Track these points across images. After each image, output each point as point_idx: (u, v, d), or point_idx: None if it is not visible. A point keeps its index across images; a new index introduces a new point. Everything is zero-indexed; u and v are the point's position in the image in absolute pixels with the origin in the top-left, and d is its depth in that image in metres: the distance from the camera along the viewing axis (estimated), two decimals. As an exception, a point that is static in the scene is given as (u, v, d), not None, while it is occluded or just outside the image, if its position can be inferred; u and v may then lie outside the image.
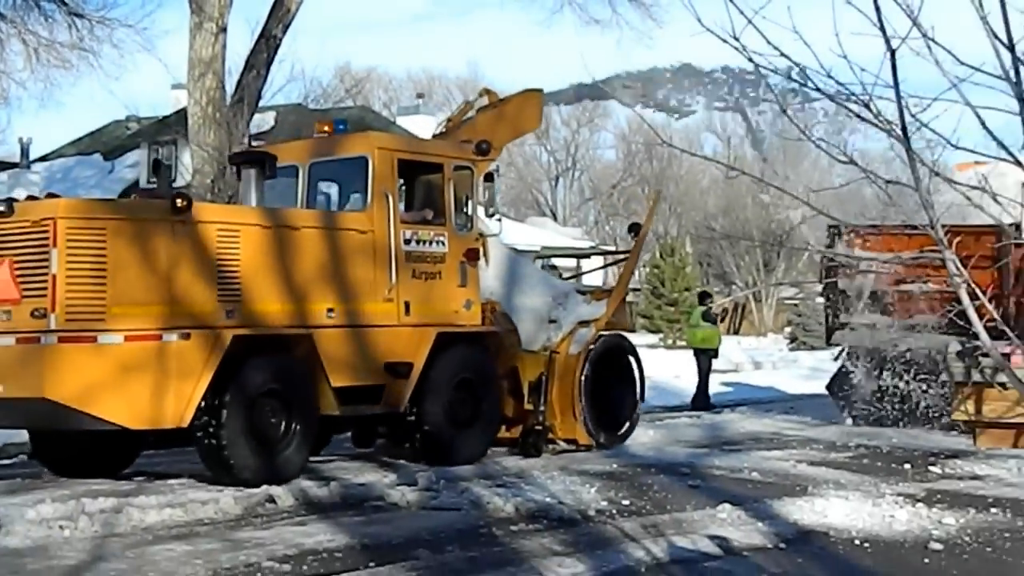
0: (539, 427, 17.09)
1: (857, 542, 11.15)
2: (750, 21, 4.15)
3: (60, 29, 26.80)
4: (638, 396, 18.64)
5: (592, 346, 17.65)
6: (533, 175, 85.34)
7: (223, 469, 13.88)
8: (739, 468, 15.79)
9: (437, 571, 9.76)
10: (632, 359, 18.65)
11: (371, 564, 10.00)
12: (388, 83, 78.08)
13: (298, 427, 14.44)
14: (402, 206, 16.30)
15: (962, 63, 4.02)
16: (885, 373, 20.77)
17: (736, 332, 65.23)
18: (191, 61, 22.97)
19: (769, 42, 4.20)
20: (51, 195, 15.29)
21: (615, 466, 15.87)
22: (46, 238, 13.19)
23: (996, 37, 3.93)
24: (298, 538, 11.03)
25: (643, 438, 18.48)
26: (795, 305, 57.02)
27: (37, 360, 13.26)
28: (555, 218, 78.24)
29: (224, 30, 22.85)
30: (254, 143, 28.70)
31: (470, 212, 17.00)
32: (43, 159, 52.65)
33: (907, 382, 20.12)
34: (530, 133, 20.46)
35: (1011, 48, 3.90)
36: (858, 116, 4.37)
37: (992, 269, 18.07)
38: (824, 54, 4.23)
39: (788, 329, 56.94)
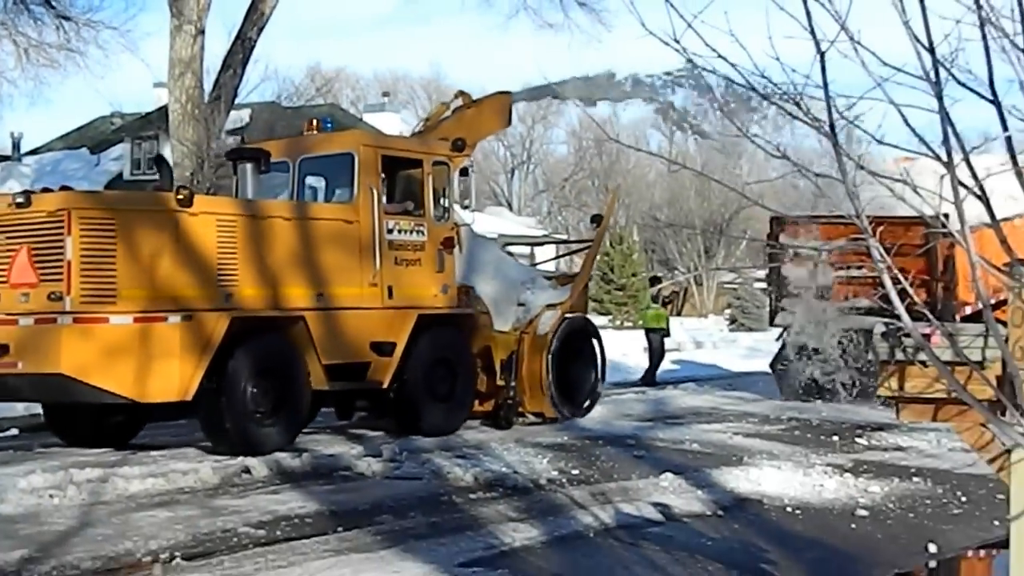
0: (510, 401, 17.37)
1: (789, 509, 11.21)
2: (690, 25, 4.12)
3: (48, 31, 26.75)
4: (599, 374, 18.86)
5: (558, 327, 17.85)
6: (491, 168, 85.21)
7: (223, 439, 14.14)
8: (680, 440, 15.85)
9: (400, 536, 9.76)
10: (594, 340, 18.90)
11: (339, 529, 10.04)
12: (356, 82, 77.93)
13: (293, 400, 14.74)
14: (385, 198, 16.36)
15: (886, 64, 4.01)
16: (820, 352, 20.98)
17: (679, 314, 65.39)
18: (171, 61, 22.94)
19: (707, 44, 4.18)
20: (64, 188, 15.53)
21: (566, 438, 15.89)
22: (61, 227, 13.44)
23: (918, 40, 3.92)
24: (272, 505, 11.05)
25: (592, 413, 18.52)
26: (734, 289, 57.18)
27: (54, 338, 13.46)
28: (511, 208, 78.13)
29: (202, 32, 22.84)
30: (230, 138, 28.68)
31: (446, 204, 17.19)
32: (33, 152, 52.33)
33: (840, 361, 20.25)
34: (501, 131, 20.62)
35: (931, 50, 3.89)
36: (790, 114, 4.35)
37: (921, 257, 18.31)
38: (759, 56, 4.20)
39: (728, 311, 57.14)
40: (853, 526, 10.58)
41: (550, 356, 17.62)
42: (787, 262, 20.70)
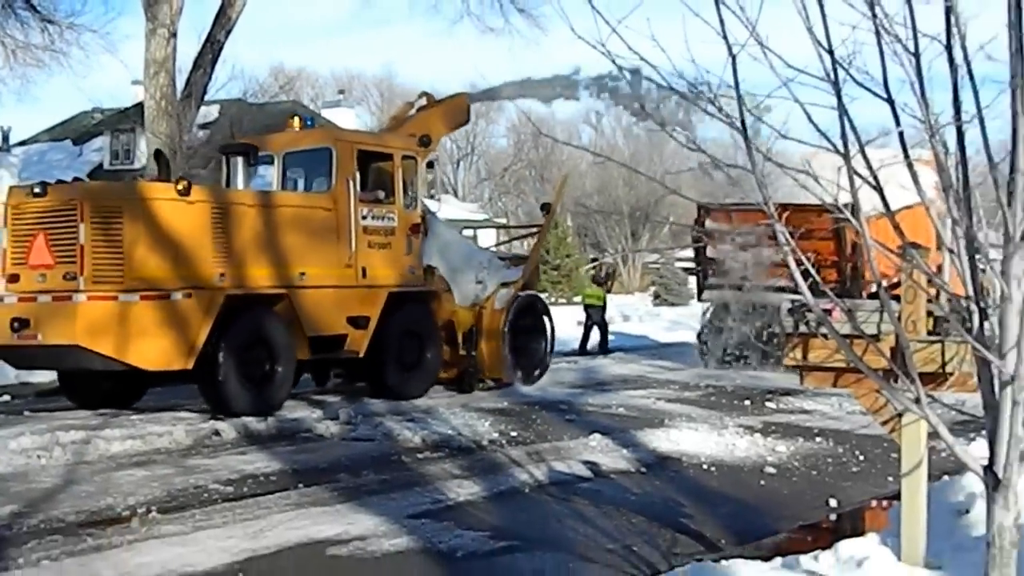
0: (471, 369, 17.70)
1: (705, 466, 11.27)
2: (614, 30, 4.10)
3: (34, 33, 26.52)
4: (549, 344, 19.22)
5: (512, 303, 18.17)
6: (438, 158, 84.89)
7: (220, 403, 14.36)
8: (608, 405, 15.90)
9: (355, 491, 9.77)
10: (544, 315, 19.19)
11: (300, 485, 10.03)
12: (315, 81, 77.15)
13: (280, 368, 14.94)
14: (359, 188, 16.47)
15: (791, 66, 4.02)
16: (738, 325, 21.33)
17: (608, 291, 65.66)
18: (147, 61, 22.85)
19: (630, 48, 4.16)
20: (77, 179, 16.03)
21: (506, 404, 15.91)
22: (75, 215, 13.80)
23: (819, 44, 3.93)
24: (239, 465, 11.04)
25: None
26: (657, 268, 57.33)
27: (70, 314, 13.75)
28: (456, 195, 77.92)
29: (175, 35, 22.77)
30: (200, 132, 28.59)
31: (414, 193, 17.39)
32: (21, 144, 51.70)
33: (755, 333, 20.45)
34: (460, 128, 20.93)
35: (831, 54, 3.90)
36: (705, 111, 4.35)
37: (831, 240, 18.56)
38: (677, 59, 4.20)
39: (652, 288, 57.28)
40: (762, 482, 10.65)
41: (506, 329, 17.92)
42: (713, 244, 21.13)
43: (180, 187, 14.38)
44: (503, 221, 56.63)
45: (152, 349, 13.81)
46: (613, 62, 4.23)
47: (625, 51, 4.22)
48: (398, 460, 11.51)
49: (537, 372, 18.87)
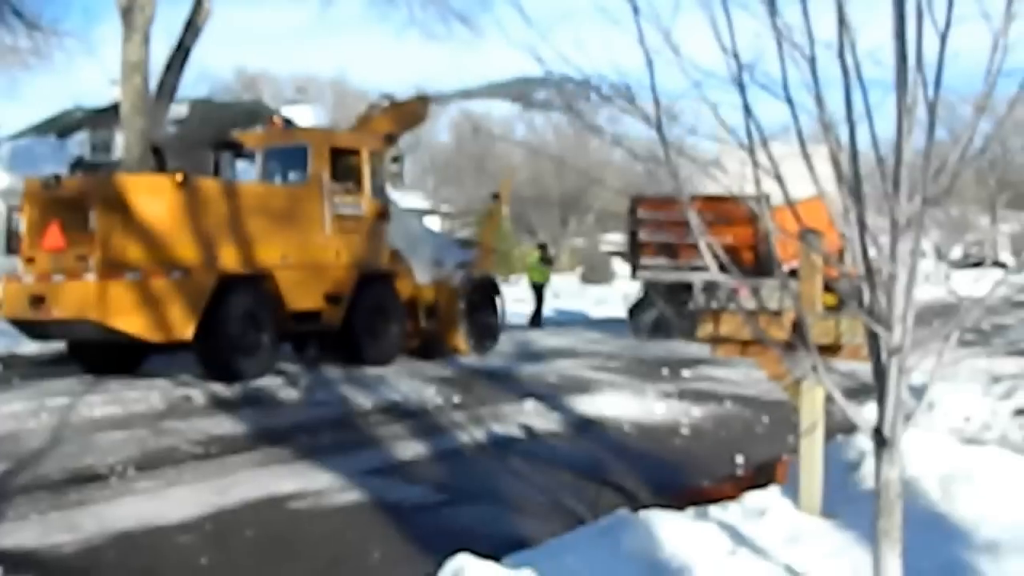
0: (432, 340, 18.19)
1: (626, 428, 11.32)
2: (544, 37, 4.05)
3: (21, 38, 26.20)
4: (500, 318, 19.59)
5: (468, 282, 18.57)
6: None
7: (216, 369, 14.63)
8: (542, 373, 15.94)
9: (313, 451, 9.72)
10: (496, 292, 19.54)
11: (263, 446, 10.03)
12: (275, 81, 76.11)
13: (266, 338, 15.31)
14: (332, 181, 16.79)
15: (700, 70, 4.00)
16: (659, 301, 21.69)
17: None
18: (123, 63, 22.65)
19: (559, 53, 4.12)
20: (87, 171, 16.50)
21: (450, 372, 15.91)
22: (86, 202, 14.20)
23: (726, 50, 3.92)
24: (208, 427, 11.01)
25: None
26: (584, 251, 57.49)
27: (82, 291, 14.04)
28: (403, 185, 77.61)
29: (148, 39, 22.57)
30: (171, 128, 28.35)
31: (380, 184, 17.74)
32: (9, 138, 50.95)
33: (677, 308, 20.65)
34: (420, 126, 21.25)
35: (736, 58, 3.89)
36: (625, 111, 4.33)
37: (750, 226, 18.77)
38: (601, 63, 4.18)
39: (579, 269, 57.45)
40: (677, 441, 10.71)
41: (462, 305, 18.25)
42: (644, 230, 21.81)
43: (179, 178, 14.64)
44: (445, 208, 56.40)
45: (155, 322, 14.09)
46: (544, 66, 4.19)
47: (554, 56, 4.19)
48: (352, 423, 11.48)
49: (489, 342, 19.15)
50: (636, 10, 4.03)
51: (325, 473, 8.73)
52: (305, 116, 48.49)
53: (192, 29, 23.26)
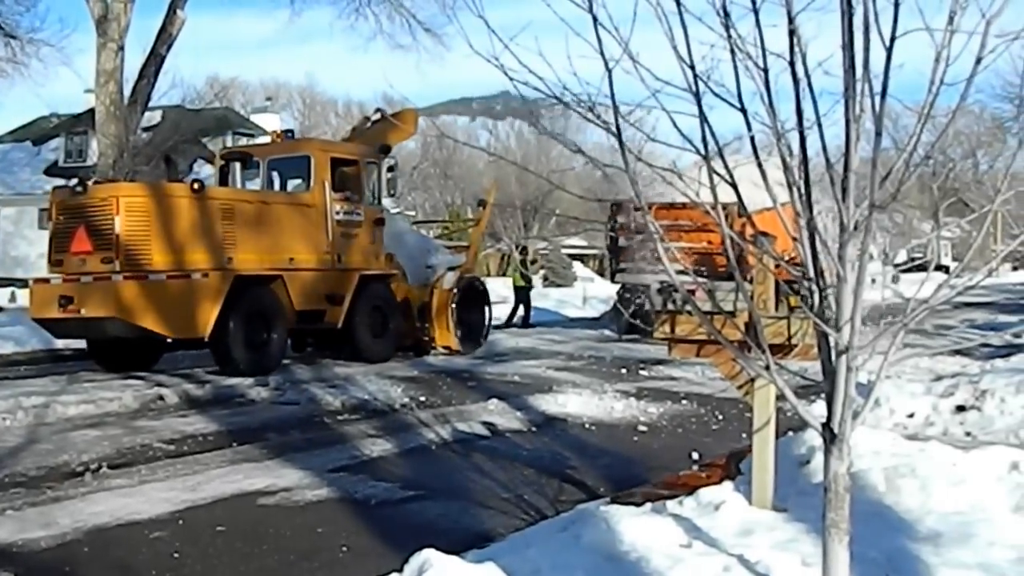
0: (425, 338, 18.81)
1: (586, 425, 11.32)
2: (506, 46, 4.05)
3: (-1, 48, 25.92)
4: (487, 319, 20.14)
5: (458, 284, 19.06)
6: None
7: (229, 364, 15.28)
8: (505, 373, 15.92)
9: (283, 449, 9.69)
10: (484, 294, 20.06)
11: (234, 444, 9.99)
12: (245, 89, 75.57)
13: (276, 336, 16.04)
14: (332, 189, 17.44)
15: (658, 79, 4.01)
16: (641, 302, 21.90)
17: (503, 275, 65.80)
18: (97, 72, 22.62)
19: (520, 62, 4.12)
20: (110, 180, 17.08)
21: (416, 372, 15.89)
22: (111, 208, 14.73)
23: (682, 60, 3.94)
24: (181, 426, 10.95)
25: (435, 353, 18.66)
26: (546, 255, 57.51)
27: (109, 291, 14.61)
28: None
29: (122, 49, 22.57)
30: (144, 134, 28.23)
31: (376, 192, 18.45)
32: (-15, 145, 50.40)
33: (654, 309, 20.80)
34: (410, 137, 21.82)
35: (692, 68, 3.91)
36: (585, 118, 4.33)
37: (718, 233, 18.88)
38: (561, 72, 4.18)
39: (542, 272, 57.49)
40: (635, 438, 10.73)
41: (453, 305, 18.77)
42: (623, 235, 22.20)
43: (195, 186, 15.39)
44: (412, 214, 56.32)
45: (176, 320, 14.79)
46: (506, 74, 4.18)
47: (516, 65, 4.19)
48: (320, 421, 11.43)
49: (478, 340, 19.66)
50: (596, 20, 4.03)
51: (294, 470, 8.68)
52: (274, 123, 48.33)
53: (165, 38, 23.19)
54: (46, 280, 15.53)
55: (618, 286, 23.95)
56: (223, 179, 18.17)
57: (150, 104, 24.98)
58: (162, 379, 14.34)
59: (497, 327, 25.20)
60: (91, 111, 26.86)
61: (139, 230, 14.74)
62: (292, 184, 18.12)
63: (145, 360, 16.05)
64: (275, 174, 18.16)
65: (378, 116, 20.12)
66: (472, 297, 19.50)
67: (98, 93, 22.80)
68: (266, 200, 16.92)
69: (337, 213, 17.38)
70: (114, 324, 14.62)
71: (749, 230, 4.76)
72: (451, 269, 19.33)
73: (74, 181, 16.02)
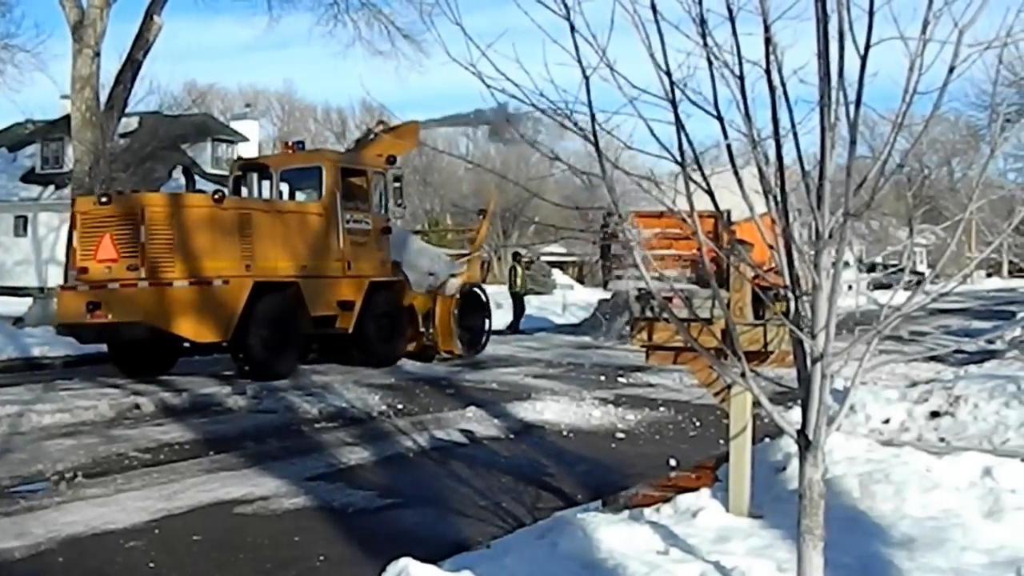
0: (429, 343, 19.18)
1: (564, 433, 11.32)
2: (483, 53, 4.05)
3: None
4: (488, 324, 20.64)
5: (460, 290, 19.61)
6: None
7: (249, 367, 15.72)
8: (483, 381, 15.91)
9: (260, 457, 9.64)
10: (484, 300, 20.55)
11: (211, 452, 9.90)
12: (224, 95, 75.11)
13: (292, 339, 16.44)
14: (342, 199, 17.88)
15: (635, 87, 4.02)
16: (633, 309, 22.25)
17: (483, 281, 65.67)
18: (73, 78, 22.44)
19: (497, 69, 4.12)
20: (134, 191, 17.40)
21: (394, 380, 15.84)
22: (136, 218, 15.18)
23: (659, 67, 3.94)
24: (157, 434, 10.85)
25: (413, 360, 18.64)
26: (526, 262, 57.41)
27: (135, 298, 15.03)
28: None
29: (98, 54, 22.38)
30: (121, 140, 28.07)
31: (383, 202, 18.84)
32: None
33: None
34: (412, 149, 22.06)
35: (669, 75, 3.92)
36: (562, 125, 4.33)
37: (715, 240, 19.04)
38: (538, 79, 4.18)
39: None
40: (613, 445, 10.74)
41: (456, 311, 19.26)
42: (616, 243, 22.18)
43: (217, 197, 15.89)
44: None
45: (200, 325, 15.19)
46: (483, 81, 4.18)
47: (494, 72, 4.19)
48: (298, 430, 11.38)
49: (479, 346, 20.18)
50: (573, 28, 4.04)
51: (271, 479, 8.64)
52: (252, 130, 48.17)
53: (142, 43, 23.05)
54: (72, 287, 15.93)
55: (610, 294, 24.50)
56: (236, 188, 18.57)
57: (127, 110, 24.84)
58: (138, 387, 14.23)
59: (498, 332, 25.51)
60: (67, 117, 26.70)
61: (163, 239, 15.20)
62: (300, 194, 18.63)
63: (163, 364, 16.48)
64: (289, 184, 18.75)
65: (381, 128, 20.50)
66: (473, 304, 20.02)
67: (74, 99, 22.63)
68: (281, 209, 17.44)
69: (347, 222, 17.83)
70: (140, 329, 15.09)
71: (732, 237, 4.76)
72: (453, 276, 19.82)
73: (98, 191, 16.63)
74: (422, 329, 19.13)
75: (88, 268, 15.66)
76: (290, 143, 19.44)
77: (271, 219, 16.69)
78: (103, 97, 22.89)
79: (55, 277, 30.13)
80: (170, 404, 12.91)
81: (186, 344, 15.94)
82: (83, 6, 22.29)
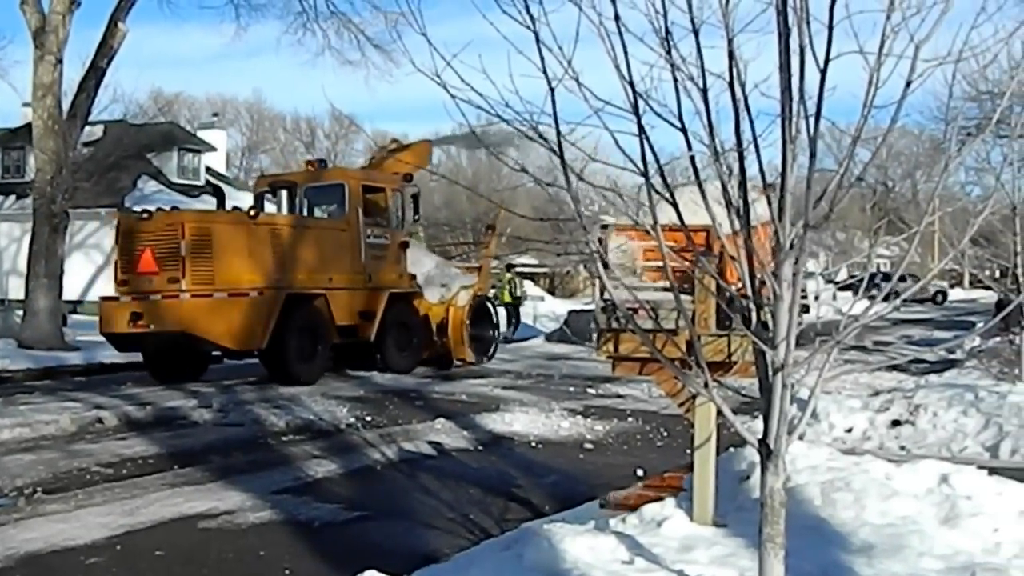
0: (444, 351, 20.06)
1: (533, 444, 11.35)
2: (448, 63, 4.08)
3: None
4: (497, 333, 21.81)
5: (472, 301, 20.41)
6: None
7: (282, 374, 16.67)
8: (452, 392, 15.91)
9: (225, 471, 9.59)
10: (494, 311, 21.70)
11: (175, 467, 9.82)
12: (191, 104, 74.46)
13: (321, 347, 17.48)
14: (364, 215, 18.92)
15: (599, 98, 4.05)
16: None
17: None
18: (35, 85, 22.19)
19: (463, 79, 4.15)
20: (174, 208, 18.20)
21: (363, 392, 15.82)
22: (177, 234, 16.26)
23: (623, 78, 3.98)
24: (120, 449, 10.74)
25: (382, 372, 18.61)
26: (496, 272, 57.42)
27: (177, 308, 16.15)
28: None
29: (60, 61, 22.10)
30: (84, 149, 27.83)
31: (401, 218, 20.05)
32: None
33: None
34: (424, 168, 22.54)
35: (631, 84, 3.96)
36: (527, 136, 4.36)
37: (704, 253, 19.22)
38: (503, 90, 4.21)
39: (493, 290, 57.37)
40: (581, 456, 10.77)
41: (467, 321, 20.13)
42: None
43: (252, 214, 17.20)
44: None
45: (237, 334, 16.19)
46: (448, 92, 4.21)
47: (459, 83, 4.21)
48: (265, 443, 11.33)
49: (490, 354, 21.17)
50: (538, 39, 4.07)
51: (237, 493, 8.59)
52: (220, 139, 47.82)
53: (106, 50, 22.80)
54: (115, 298, 16.98)
55: (582, 305, 25.07)
56: (259, 203, 19.65)
57: (91, 119, 24.57)
58: (101, 401, 14.08)
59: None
60: (28, 125, 26.43)
61: (202, 252, 16.25)
62: (319, 210, 19.72)
63: (194, 371, 17.30)
64: (313, 201, 19.67)
65: (394, 146, 21.81)
66: (483, 314, 21.01)
67: (35, 107, 22.39)
68: (308, 225, 18.62)
69: (368, 236, 18.89)
70: (181, 338, 16.10)
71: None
72: (464, 288, 20.65)
73: (139, 209, 17.85)
74: (436, 338, 20.06)
75: (129, 280, 16.73)
76: (312, 161, 20.69)
77: (300, 234, 17.84)
78: (66, 105, 22.62)
79: (16, 289, 29.89)
80: (134, 418, 12.79)
81: (216, 352, 17.11)
82: (45, 12, 21.99)
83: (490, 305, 21.61)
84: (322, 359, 17.46)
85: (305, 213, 19.43)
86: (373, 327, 18.51)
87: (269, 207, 20.38)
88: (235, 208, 19.23)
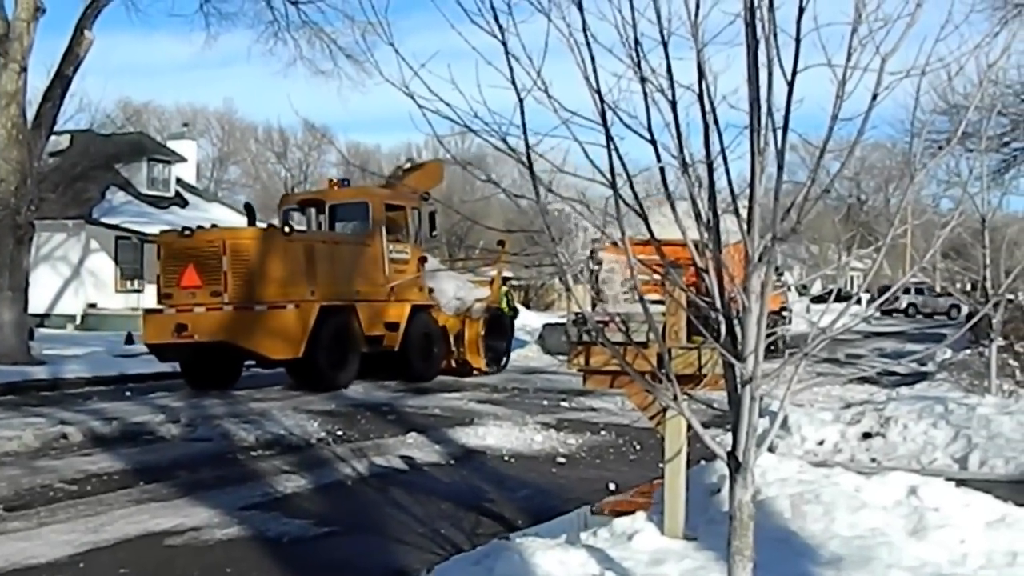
0: (461, 360, 21.38)
1: (506, 458, 11.34)
2: (416, 73, 4.08)
3: None
4: (510, 344, 23.22)
5: (486, 313, 21.80)
6: (275, 187, 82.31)
7: (315, 381, 17.79)
8: (425, 406, 15.88)
9: (193, 487, 9.52)
10: (506, 323, 23.01)
11: (141, 483, 9.74)
12: (161, 114, 74.08)
13: (350, 356, 18.67)
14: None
15: (567, 109, 4.06)
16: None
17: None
18: None
19: (431, 90, 4.15)
20: (214, 226, 19.73)
21: (334, 406, 15.76)
22: (218, 250, 17.58)
23: (592, 88, 4.00)
24: (85, 465, 10.63)
25: (355, 386, 18.58)
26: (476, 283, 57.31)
27: (221, 320, 17.35)
28: (290, 220, 76.33)
29: (25, 69, 21.94)
30: (50, 159, 27.64)
31: (420, 234, 21.42)
32: None
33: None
34: (437, 186, 24.34)
35: (600, 97, 3.97)
36: (496, 147, 4.36)
37: (691, 267, 19.37)
38: (472, 101, 4.21)
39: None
40: (554, 470, 10.76)
41: (482, 332, 21.51)
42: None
43: (287, 231, 18.36)
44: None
45: (276, 344, 17.31)
46: (416, 103, 4.20)
47: (427, 93, 4.20)
48: (233, 458, 11.25)
49: (503, 363, 22.55)
50: (507, 49, 4.07)
51: (204, 509, 8.53)
52: (190, 150, 47.59)
53: (72, 58, 22.64)
54: (159, 311, 18.19)
55: (555, 318, 25.78)
56: (285, 220, 20.56)
57: (56, 128, 24.43)
58: (66, 416, 13.94)
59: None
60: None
61: (243, 267, 17.49)
62: (340, 226, 20.96)
63: (230, 379, 18.46)
64: (337, 217, 20.95)
65: (409, 166, 23.14)
66: (496, 326, 22.22)
67: (-1, 116, 22.22)
68: (337, 240, 19.93)
69: (391, 252, 20.18)
70: (224, 347, 17.19)
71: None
72: (479, 301, 21.82)
73: (182, 227, 18.73)
74: (453, 349, 21.24)
75: (172, 294, 17.86)
76: (334, 180, 21.64)
77: (330, 249, 19.08)
78: (30, 114, 22.45)
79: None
80: (99, 433, 12.65)
81: (250, 361, 18.29)
82: (8, 19, 21.81)
83: (503, 317, 22.78)
84: (352, 366, 18.55)
85: (326, 229, 20.70)
86: (398, 337, 19.72)
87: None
88: (270, 225, 19.94)
